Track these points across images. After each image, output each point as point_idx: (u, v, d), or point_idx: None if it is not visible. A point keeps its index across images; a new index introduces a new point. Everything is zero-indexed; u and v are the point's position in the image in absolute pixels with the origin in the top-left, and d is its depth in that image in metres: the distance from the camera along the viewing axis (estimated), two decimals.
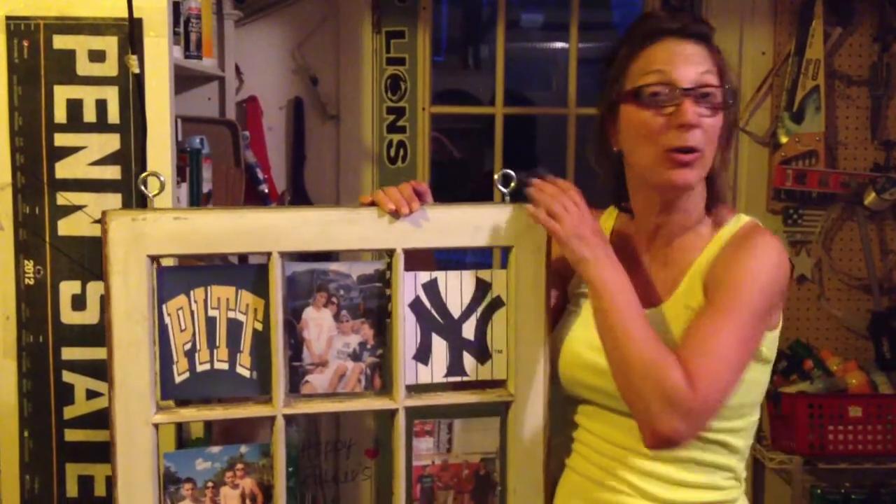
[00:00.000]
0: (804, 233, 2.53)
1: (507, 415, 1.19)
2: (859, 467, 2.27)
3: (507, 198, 1.18)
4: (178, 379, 1.12)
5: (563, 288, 1.25)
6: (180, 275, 1.14)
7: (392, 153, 2.57)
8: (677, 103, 1.08)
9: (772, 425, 2.36)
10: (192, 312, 1.12)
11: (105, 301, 1.09)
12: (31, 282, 1.49)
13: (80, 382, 1.50)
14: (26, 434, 1.50)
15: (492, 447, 1.21)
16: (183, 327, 1.13)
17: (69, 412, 1.50)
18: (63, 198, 1.49)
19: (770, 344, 1.13)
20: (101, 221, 1.09)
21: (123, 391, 1.09)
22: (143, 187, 1.12)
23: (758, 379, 1.13)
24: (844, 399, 2.25)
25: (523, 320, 1.17)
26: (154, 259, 1.11)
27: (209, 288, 1.12)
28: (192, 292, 1.12)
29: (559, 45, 3.75)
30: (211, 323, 1.13)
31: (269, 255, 1.12)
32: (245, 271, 1.15)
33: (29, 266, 1.49)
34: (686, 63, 1.09)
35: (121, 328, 1.09)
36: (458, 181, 3.05)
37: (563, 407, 1.23)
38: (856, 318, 2.53)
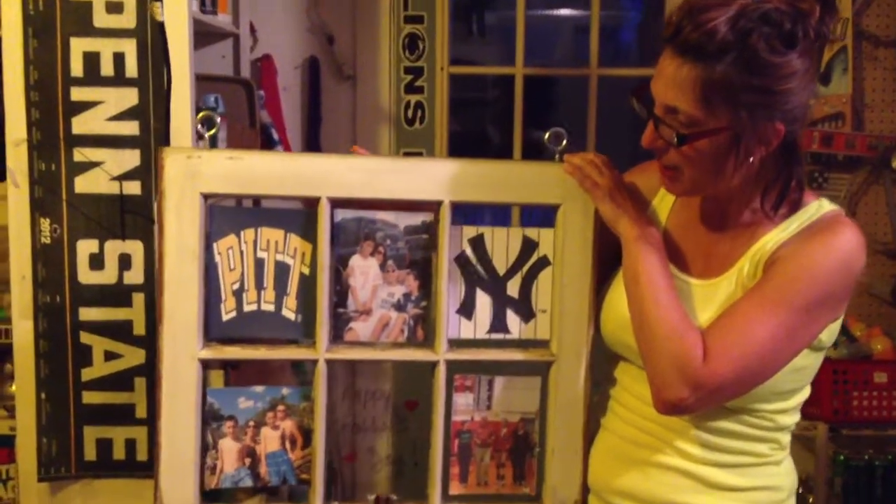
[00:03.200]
0: (830, 197, 2.59)
1: (549, 375, 1.26)
2: (884, 434, 2.37)
3: (558, 156, 1.26)
4: (225, 317, 1.22)
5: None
6: (231, 215, 1.23)
7: (409, 114, 2.64)
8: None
9: None
10: (241, 252, 1.21)
11: (158, 237, 1.18)
12: (48, 241, 1.51)
13: (98, 344, 1.53)
14: (43, 396, 1.53)
15: (532, 407, 1.29)
16: (232, 266, 1.22)
17: (87, 374, 1.53)
18: (80, 154, 1.51)
19: (831, 332, 1.17)
20: (157, 158, 1.18)
21: (172, 326, 1.18)
22: (199, 126, 1.20)
23: (812, 364, 1.20)
24: (869, 365, 2.36)
25: (569, 281, 1.25)
26: (207, 197, 1.20)
27: (259, 229, 1.22)
28: (242, 233, 1.21)
29: (576, 11, 3.85)
30: (259, 264, 1.22)
31: (317, 200, 1.21)
32: (294, 215, 1.24)
33: (45, 224, 1.50)
34: (659, 83, 1.10)
35: (172, 264, 1.18)
36: (476, 153, 3.12)
37: (606, 365, 1.30)
38: (880, 284, 2.64)
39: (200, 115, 1.21)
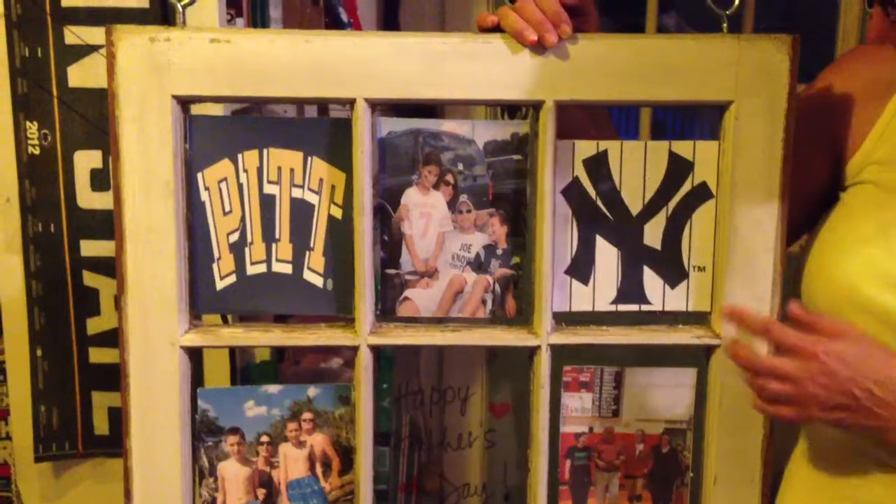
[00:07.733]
0: None
1: (709, 365, 1.03)
2: None
3: (725, 25, 0.97)
4: (220, 284, 0.98)
5: (832, 156, 1.00)
6: (223, 129, 0.97)
7: None
8: None
9: None
10: (240, 186, 0.97)
11: (112, 164, 0.91)
12: (37, 151, 1.37)
13: (106, 287, 1.40)
14: (39, 353, 1.41)
15: (682, 413, 1.06)
16: (227, 209, 0.98)
17: (93, 325, 1.41)
18: (73, 34, 1.34)
19: None
20: (107, 43, 0.92)
21: (139, 299, 0.93)
22: None
23: None
24: None
25: (743, 222, 0.99)
26: (183, 102, 0.93)
27: (266, 151, 0.97)
28: (240, 156, 0.97)
29: None
30: (268, 204, 0.98)
31: (352, 103, 0.94)
32: (318, 128, 0.98)
33: (32, 129, 1.37)
34: None
35: (135, 205, 0.92)
36: None
37: None
38: None
39: None
